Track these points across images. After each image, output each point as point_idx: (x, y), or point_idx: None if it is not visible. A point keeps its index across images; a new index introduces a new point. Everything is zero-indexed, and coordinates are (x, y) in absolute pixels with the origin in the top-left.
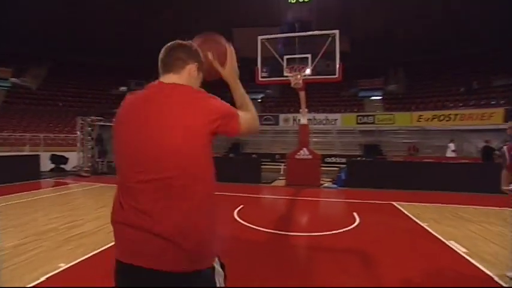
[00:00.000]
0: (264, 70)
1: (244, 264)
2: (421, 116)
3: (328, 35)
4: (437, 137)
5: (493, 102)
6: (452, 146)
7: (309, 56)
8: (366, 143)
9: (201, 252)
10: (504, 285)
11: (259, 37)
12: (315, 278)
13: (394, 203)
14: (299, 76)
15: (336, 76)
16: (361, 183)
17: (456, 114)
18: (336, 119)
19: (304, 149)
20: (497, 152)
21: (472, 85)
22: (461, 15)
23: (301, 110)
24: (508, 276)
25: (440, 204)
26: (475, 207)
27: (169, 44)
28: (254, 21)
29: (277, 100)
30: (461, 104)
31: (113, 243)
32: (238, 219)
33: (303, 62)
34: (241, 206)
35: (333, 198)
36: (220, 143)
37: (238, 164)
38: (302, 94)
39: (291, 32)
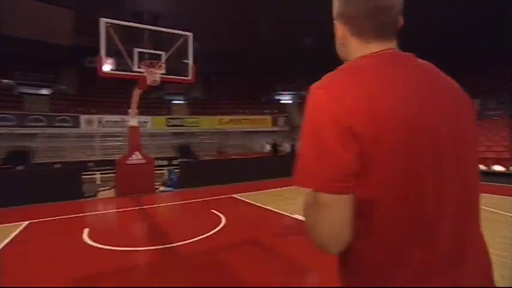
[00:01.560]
0: (109, 61)
1: None
2: (221, 119)
3: (180, 35)
4: (235, 137)
5: (264, 111)
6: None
7: (162, 53)
8: (179, 145)
9: None
10: None
11: (103, 20)
12: (240, 276)
13: (234, 195)
14: (157, 73)
15: (189, 78)
16: (194, 182)
17: (246, 119)
18: (146, 122)
19: (136, 153)
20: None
21: (260, 97)
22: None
23: (130, 111)
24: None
25: (266, 190)
26: (290, 188)
27: None
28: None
29: (74, 98)
30: (247, 111)
31: None
32: (92, 243)
33: (155, 58)
34: (87, 229)
35: (181, 200)
36: None
37: (45, 178)
38: (137, 93)
39: (138, 23)
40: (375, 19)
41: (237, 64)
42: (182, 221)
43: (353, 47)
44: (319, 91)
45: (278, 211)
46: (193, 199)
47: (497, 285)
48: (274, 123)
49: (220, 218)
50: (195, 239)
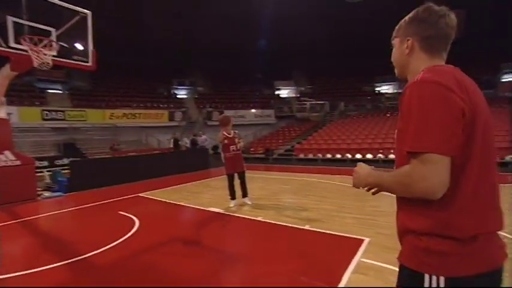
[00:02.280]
0: None
1: None
2: (112, 113)
3: (76, 11)
4: (129, 133)
5: (160, 106)
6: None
7: (52, 30)
8: (61, 142)
9: None
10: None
11: None
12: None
13: (140, 194)
14: (47, 54)
15: (90, 64)
16: (89, 184)
17: (140, 114)
18: (10, 113)
19: (7, 152)
20: (186, 141)
21: (156, 91)
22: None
23: None
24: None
25: (173, 186)
26: (199, 181)
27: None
28: None
29: None
30: (141, 105)
31: None
32: None
33: (42, 33)
34: None
35: (77, 205)
36: None
37: None
38: (9, 76)
39: None
40: (445, 43)
41: (130, 54)
42: (87, 228)
43: (420, 59)
44: (435, 84)
45: (193, 206)
46: (92, 202)
47: None
48: (171, 118)
49: (132, 220)
50: (110, 245)
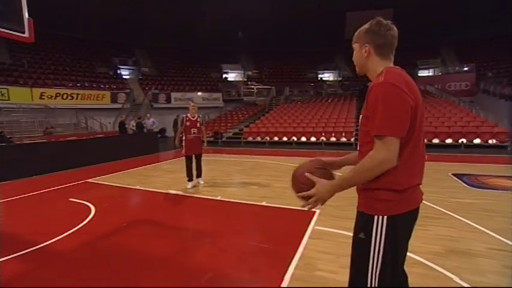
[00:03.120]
0: None
1: None
2: (43, 93)
3: None
4: (65, 115)
5: (101, 86)
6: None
7: None
8: None
9: None
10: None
11: None
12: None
13: (89, 180)
14: None
15: (26, 35)
16: (23, 172)
17: (78, 94)
18: None
19: None
20: (132, 125)
21: (98, 69)
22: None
23: None
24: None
25: (124, 171)
26: (152, 165)
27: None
28: None
29: None
30: (79, 85)
31: None
32: None
33: None
34: None
35: (16, 195)
36: None
37: None
38: None
39: None
40: (391, 49)
41: (63, 26)
42: (37, 217)
43: (375, 62)
44: (394, 86)
45: (150, 189)
46: (35, 191)
47: None
48: (114, 100)
49: (86, 206)
50: (69, 232)
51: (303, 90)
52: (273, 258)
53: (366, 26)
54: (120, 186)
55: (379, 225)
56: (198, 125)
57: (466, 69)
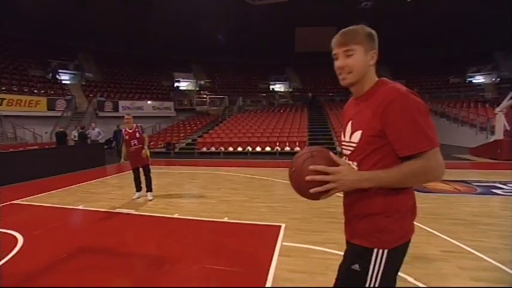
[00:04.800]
0: None
1: None
2: None
3: None
4: None
5: (35, 91)
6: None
7: None
8: None
9: None
10: None
11: None
12: None
13: (15, 201)
14: None
15: None
16: None
17: (3, 99)
18: None
19: None
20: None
21: (30, 72)
22: None
23: None
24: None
25: (63, 188)
26: (97, 180)
27: None
28: None
29: None
30: (4, 88)
31: None
32: None
33: None
34: None
35: None
36: None
37: None
38: None
39: None
40: None
41: None
42: None
43: (373, 71)
44: (416, 96)
45: (95, 209)
46: None
47: None
48: (51, 107)
49: (11, 236)
50: None
51: (256, 101)
52: (245, 284)
53: (366, 29)
54: (57, 207)
55: (379, 258)
56: (137, 135)
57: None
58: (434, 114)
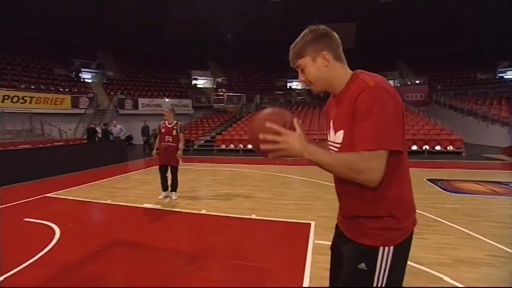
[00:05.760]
0: None
1: None
2: None
3: None
4: (15, 120)
5: (60, 90)
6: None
7: None
8: None
9: None
10: None
11: None
12: None
13: (48, 194)
14: None
15: None
16: None
17: (32, 97)
18: None
19: None
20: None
21: (56, 71)
22: None
23: None
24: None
25: (91, 183)
26: (122, 176)
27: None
28: None
29: None
30: (33, 87)
31: None
32: None
33: None
34: None
35: None
36: None
37: None
38: None
39: None
40: (342, 52)
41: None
42: None
43: (338, 68)
44: (386, 90)
45: (124, 203)
46: None
47: None
48: (75, 105)
49: (49, 227)
50: (28, 262)
51: (273, 98)
52: (282, 280)
53: (310, 34)
54: (86, 201)
55: (385, 256)
56: (174, 132)
57: (418, 82)
58: (460, 112)
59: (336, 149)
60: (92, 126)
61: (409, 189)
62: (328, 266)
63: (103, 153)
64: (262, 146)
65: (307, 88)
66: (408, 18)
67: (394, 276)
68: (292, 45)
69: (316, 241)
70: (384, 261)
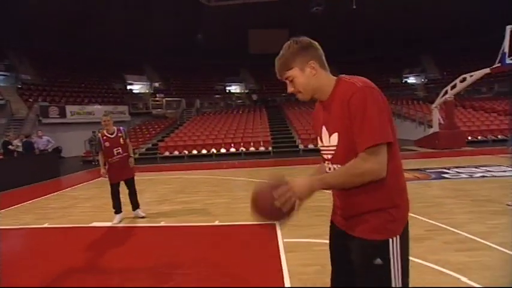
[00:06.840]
0: None
1: None
2: None
3: None
4: None
5: None
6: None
7: None
8: None
9: None
10: None
11: None
12: None
13: None
14: None
15: None
16: None
17: None
18: None
19: None
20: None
21: None
22: None
23: None
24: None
25: (17, 205)
26: (57, 193)
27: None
28: None
29: None
30: None
31: None
32: None
33: None
34: None
35: None
36: None
37: None
38: None
39: None
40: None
41: None
42: None
43: (323, 76)
44: (374, 89)
45: (66, 225)
46: None
47: None
48: None
49: None
50: None
51: (213, 102)
52: (264, 282)
53: (296, 46)
54: (16, 229)
55: (395, 246)
56: (122, 141)
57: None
58: None
59: (332, 152)
60: (6, 139)
61: (404, 178)
62: (303, 262)
63: (27, 170)
64: (285, 209)
65: (246, 92)
66: (333, 26)
67: (405, 264)
68: (278, 57)
69: (285, 240)
70: (395, 252)
